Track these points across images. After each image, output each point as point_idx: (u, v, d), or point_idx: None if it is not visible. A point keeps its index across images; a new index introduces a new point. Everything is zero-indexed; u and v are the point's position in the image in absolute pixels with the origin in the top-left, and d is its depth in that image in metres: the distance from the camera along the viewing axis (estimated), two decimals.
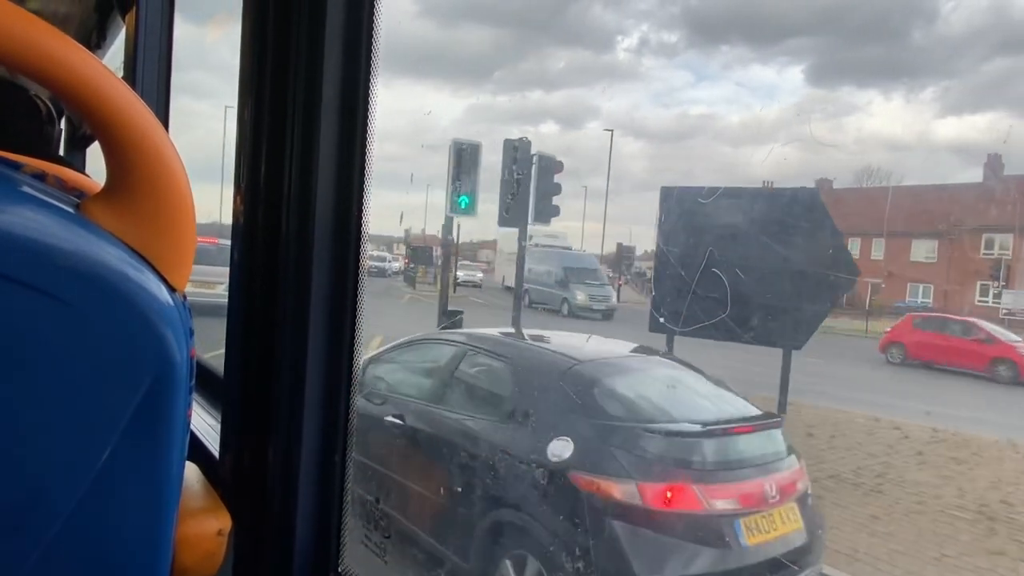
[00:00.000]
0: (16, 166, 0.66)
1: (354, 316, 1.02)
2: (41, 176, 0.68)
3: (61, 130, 1.83)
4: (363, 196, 1.00)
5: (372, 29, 0.99)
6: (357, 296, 1.02)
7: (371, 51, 0.99)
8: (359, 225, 1.01)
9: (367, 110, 0.99)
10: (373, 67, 0.99)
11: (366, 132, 1.00)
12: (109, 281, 0.59)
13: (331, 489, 1.03)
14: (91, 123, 0.60)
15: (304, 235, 0.98)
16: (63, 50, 0.57)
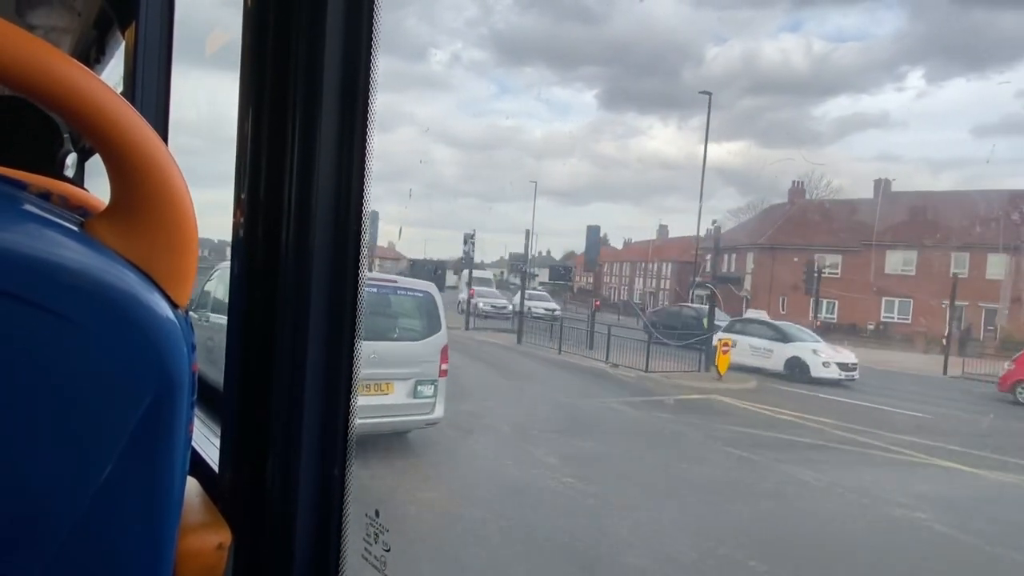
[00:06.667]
0: (22, 186, 0.66)
1: (353, 328, 1.02)
2: (46, 195, 0.68)
3: (69, 150, 1.83)
4: (362, 207, 1.01)
5: (372, 37, 0.99)
6: (356, 309, 1.02)
7: (371, 58, 0.99)
8: (358, 238, 1.01)
9: (366, 118, 0.99)
10: (373, 74, 0.99)
11: (365, 141, 1.00)
12: (113, 299, 0.60)
13: (331, 503, 1.02)
14: (94, 143, 0.61)
15: (303, 248, 0.98)
16: (63, 69, 0.58)
